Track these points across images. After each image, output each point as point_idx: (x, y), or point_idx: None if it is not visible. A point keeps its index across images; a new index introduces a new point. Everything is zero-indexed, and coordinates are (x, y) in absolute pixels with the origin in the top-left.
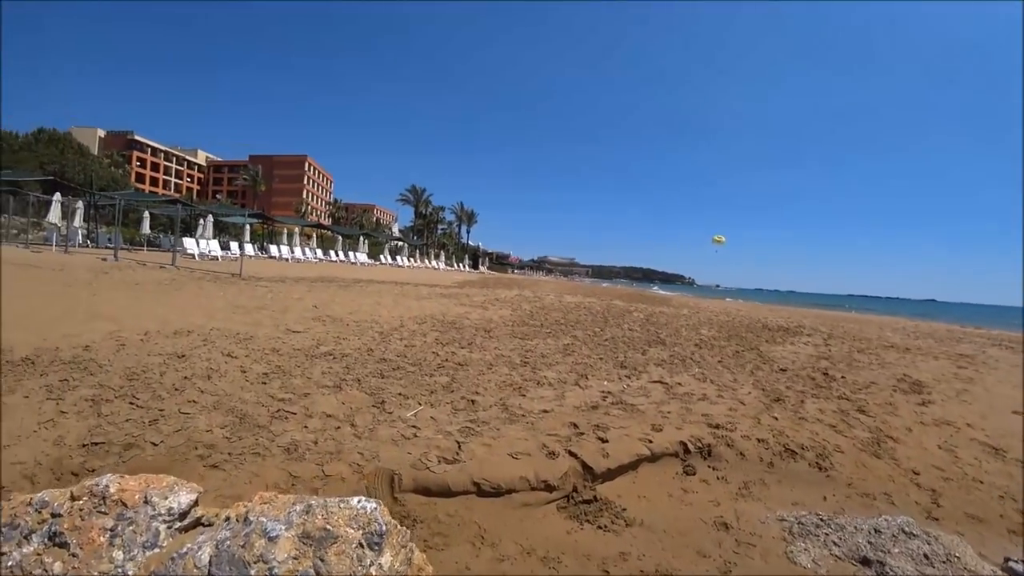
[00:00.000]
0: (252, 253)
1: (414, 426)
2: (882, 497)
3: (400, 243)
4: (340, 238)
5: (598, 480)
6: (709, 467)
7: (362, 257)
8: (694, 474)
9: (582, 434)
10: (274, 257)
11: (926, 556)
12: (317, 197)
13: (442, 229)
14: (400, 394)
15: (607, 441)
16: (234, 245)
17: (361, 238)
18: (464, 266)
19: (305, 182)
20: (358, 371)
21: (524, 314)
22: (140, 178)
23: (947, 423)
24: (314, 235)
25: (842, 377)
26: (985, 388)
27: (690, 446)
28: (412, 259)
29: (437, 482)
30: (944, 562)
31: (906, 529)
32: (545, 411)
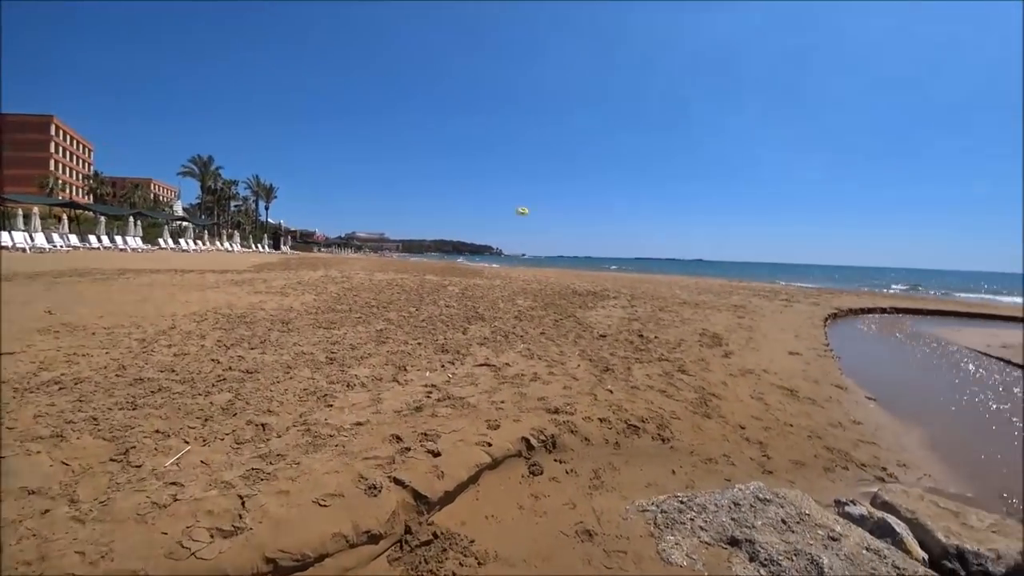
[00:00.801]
0: None
1: (174, 482)
2: (723, 460)
3: (184, 223)
4: (103, 219)
5: (435, 508)
6: (556, 460)
7: (134, 242)
8: (541, 473)
9: (408, 450)
10: (4, 247)
11: (783, 521)
12: (71, 170)
13: (236, 206)
14: (158, 431)
15: (439, 454)
16: None
17: (132, 219)
18: (264, 247)
19: (53, 150)
20: (97, 404)
21: (330, 298)
22: None
23: (749, 371)
24: (64, 216)
25: (655, 337)
26: (763, 334)
27: (533, 441)
28: (200, 242)
29: (208, 574)
30: (798, 523)
31: (760, 496)
32: (359, 424)
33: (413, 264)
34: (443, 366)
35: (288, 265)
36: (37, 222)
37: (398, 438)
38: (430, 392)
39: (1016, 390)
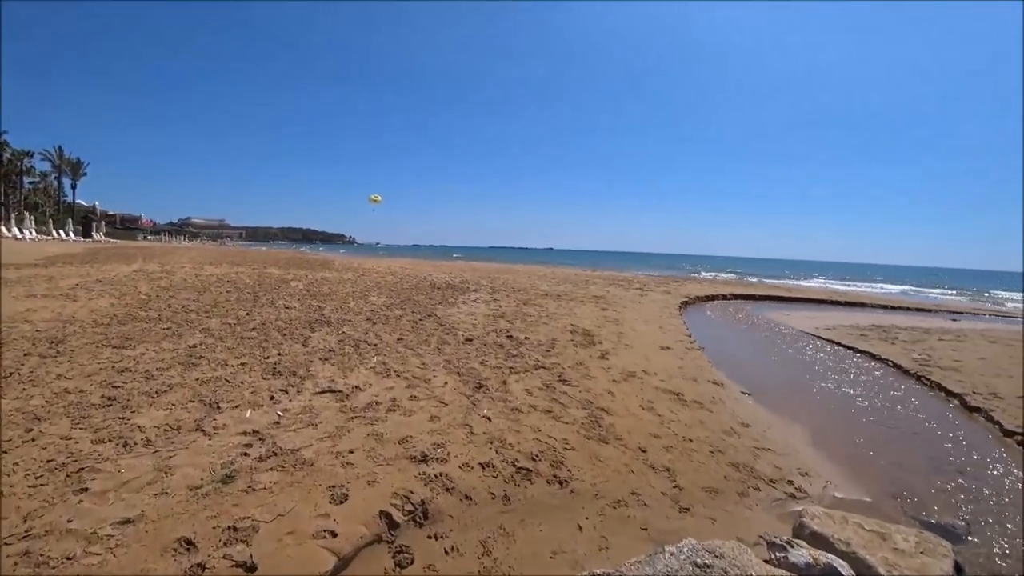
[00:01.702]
0: None
1: None
2: (633, 500)
3: None
4: None
5: None
6: (431, 537)
7: None
8: (412, 563)
9: (202, 568)
10: None
11: None
12: None
13: (31, 183)
14: None
15: (254, 568)
16: None
17: None
18: (68, 233)
19: None
20: None
21: (136, 301)
22: None
23: (631, 374)
24: None
25: (526, 339)
26: (631, 328)
27: (397, 514)
28: None
29: None
30: None
31: (697, 560)
32: (126, 522)
33: (256, 254)
34: (272, 397)
35: (95, 257)
36: None
37: (188, 544)
38: (249, 444)
39: (855, 373)
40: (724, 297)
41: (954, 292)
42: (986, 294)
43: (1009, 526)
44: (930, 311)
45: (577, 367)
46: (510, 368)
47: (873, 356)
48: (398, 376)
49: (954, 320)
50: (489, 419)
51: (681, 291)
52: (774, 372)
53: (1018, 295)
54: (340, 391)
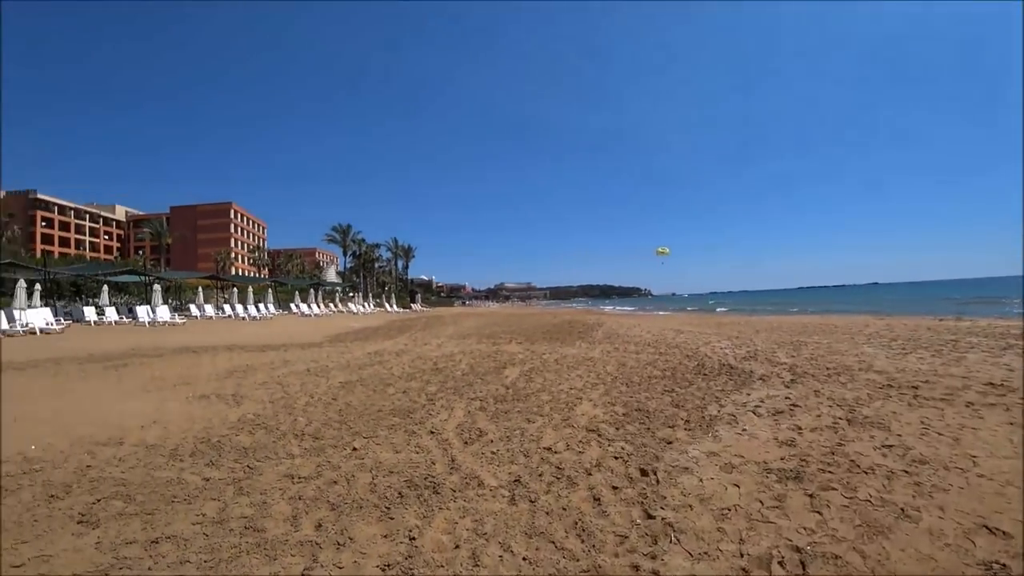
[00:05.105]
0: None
1: None
2: None
3: (333, 287)
4: (235, 290)
5: None
6: None
7: (265, 310)
8: None
9: None
10: (139, 322)
11: None
12: (246, 245)
13: (380, 267)
14: None
15: None
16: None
17: (271, 287)
18: (392, 306)
19: (232, 231)
20: None
21: (288, 404)
22: (48, 239)
23: None
24: (198, 288)
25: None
26: None
27: None
28: (331, 304)
29: None
30: None
31: None
32: None
33: (535, 316)
34: None
35: (374, 334)
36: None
37: None
38: None
39: None
40: None
41: None
42: None
43: None
44: None
45: None
46: None
47: None
48: None
49: None
50: None
51: None
52: None
53: None
54: None
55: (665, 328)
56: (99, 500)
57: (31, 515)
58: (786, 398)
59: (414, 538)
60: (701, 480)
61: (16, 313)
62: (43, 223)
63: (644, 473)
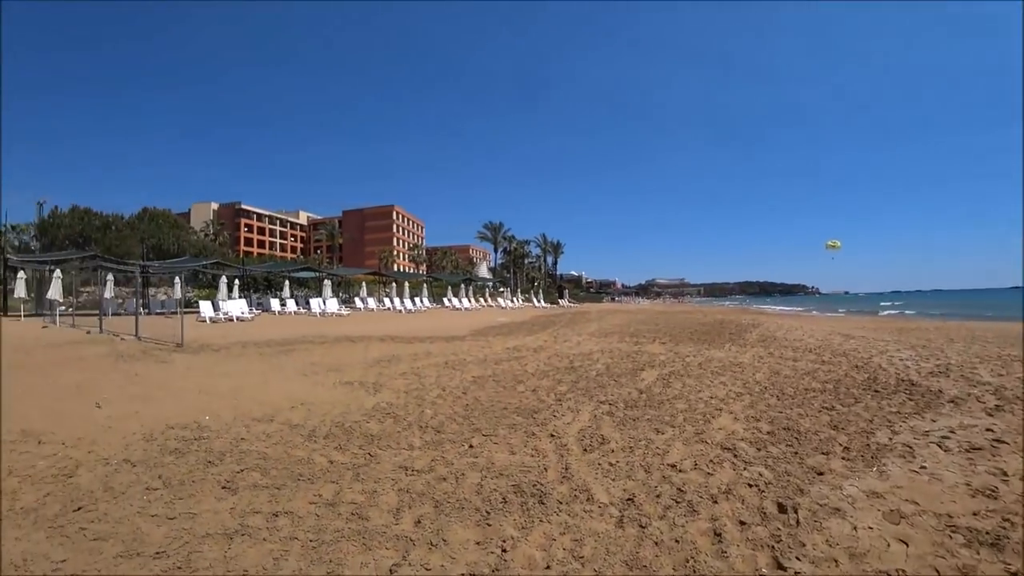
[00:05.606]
0: (279, 309)
1: None
2: None
3: (484, 282)
4: (394, 285)
5: None
6: None
7: (420, 303)
8: None
9: None
10: (312, 313)
11: None
12: (407, 243)
13: (530, 263)
14: None
15: None
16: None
17: (425, 284)
18: (539, 300)
19: (394, 231)
20: None
21: (386, 404)
22: (248, 242)
23: None
24: (363, 283)
25: None
26: None
27: None
28: (481, 299)
29: None
30: None
31: None
32: None
33: (685, 313)
34: None
35: (517, 328)
36: (365, 290)
37: None
38: None
39: None
40: None
41: None
42: None
43: None
44: None
45: None
46: None
47: None
48: None
49: None
50: None
51: None
52: None
53: None
54: None
55: (832, 332)
56: (243, 470)
57: (191, 476)
58: (987, 430)
59: (506, 550)
60: (855, 528)
61: (220, 303)
62: (245, 228)
63: (782, 509)
